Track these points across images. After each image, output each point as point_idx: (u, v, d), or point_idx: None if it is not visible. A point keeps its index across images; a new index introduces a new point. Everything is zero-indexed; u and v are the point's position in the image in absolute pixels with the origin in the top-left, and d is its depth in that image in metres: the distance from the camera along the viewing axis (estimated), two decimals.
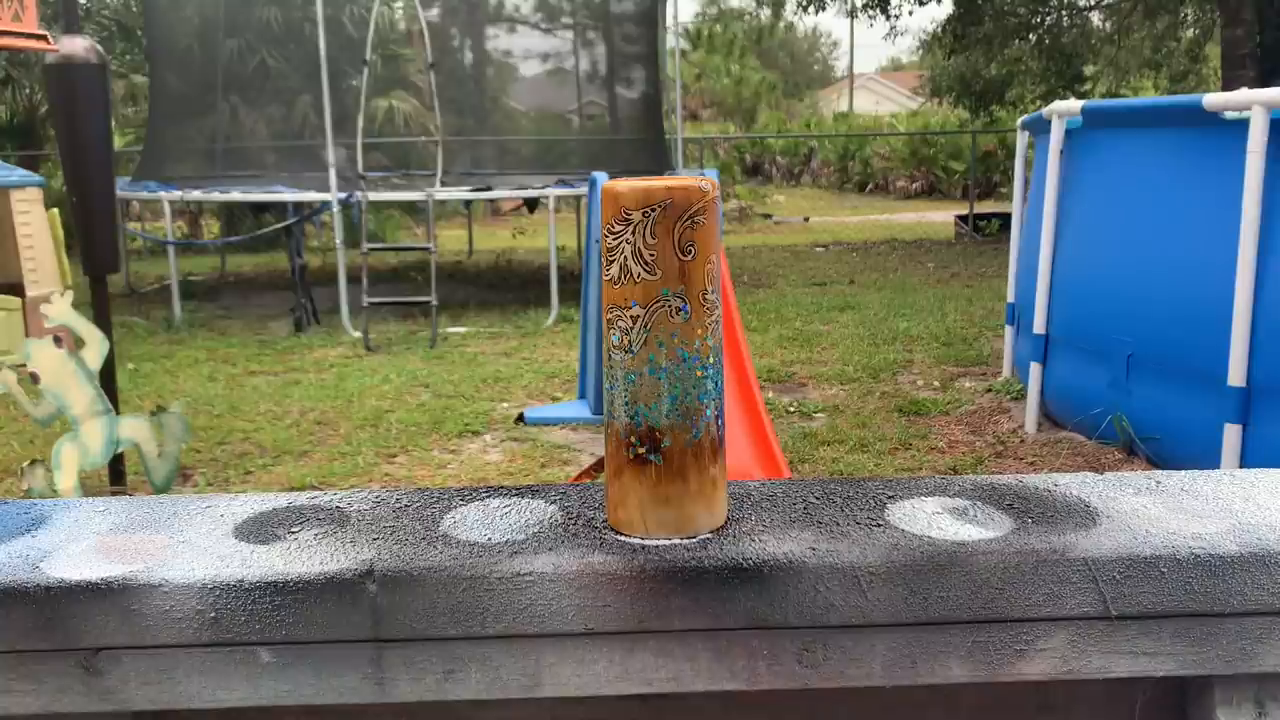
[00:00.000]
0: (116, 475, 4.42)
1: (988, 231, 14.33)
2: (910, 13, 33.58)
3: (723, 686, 0.81)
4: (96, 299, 4.35)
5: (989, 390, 6.09)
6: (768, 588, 0.79)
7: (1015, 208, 6.67)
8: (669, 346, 0.80)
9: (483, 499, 0.92)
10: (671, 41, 12.81)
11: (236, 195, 9.71)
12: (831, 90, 44.14)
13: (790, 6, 17.54)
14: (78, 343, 4.06)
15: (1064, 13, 16.01)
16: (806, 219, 18.53)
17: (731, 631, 0.80)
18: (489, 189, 10.39)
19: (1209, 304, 4.15)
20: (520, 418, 5.62)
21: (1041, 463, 4.67)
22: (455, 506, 0.91)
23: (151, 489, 4.32)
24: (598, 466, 4.42)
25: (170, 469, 4.38)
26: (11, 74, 16.26)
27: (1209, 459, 4.09)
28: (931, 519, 0.86)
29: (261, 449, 5.26)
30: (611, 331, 0.82)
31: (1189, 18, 16.12)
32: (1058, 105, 5.34)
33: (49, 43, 6.26)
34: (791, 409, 5.80)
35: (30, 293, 7.24)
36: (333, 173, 8.82)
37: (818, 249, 13.93)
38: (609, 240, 0.81)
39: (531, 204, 11.42)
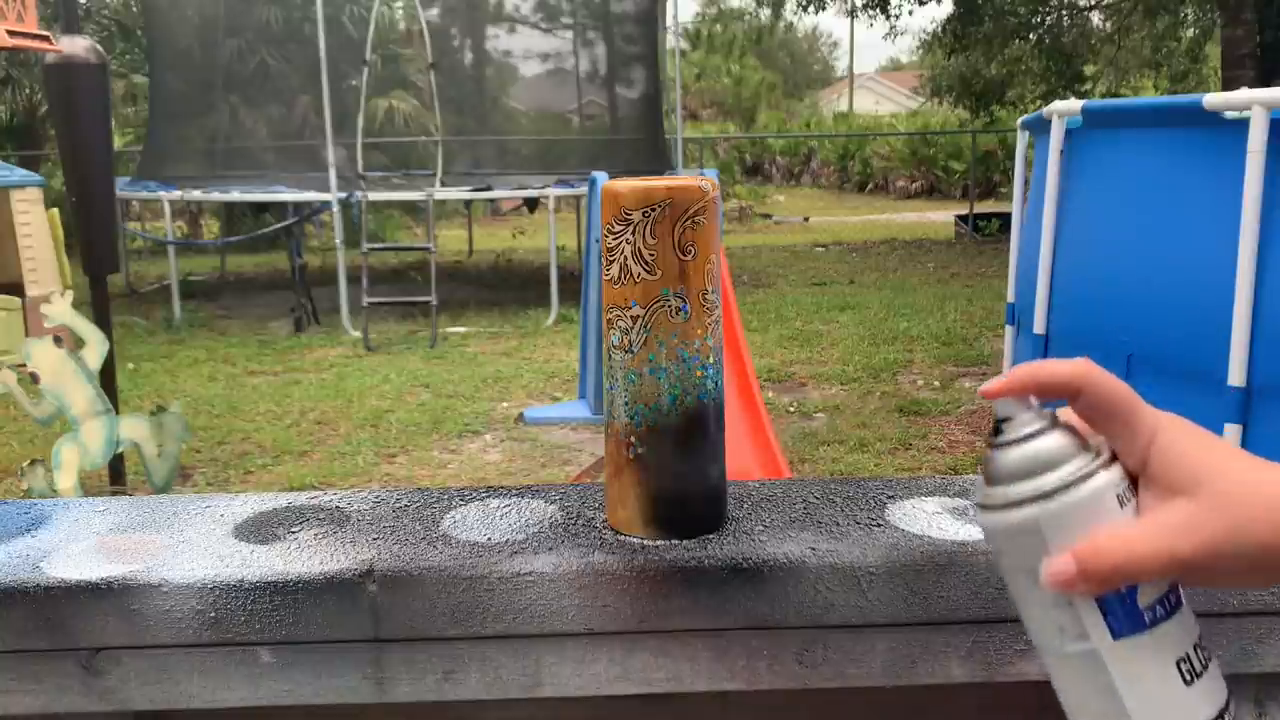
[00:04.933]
0: (116, 475, 4.42)
1: (988, 231, 14.33)
2: (910, 13, 33.60)
3: (723, 686, 0.81)
4: (96, 299, 4.35)
5: None
6: (768, 588, 0.79)
7: (1015, 208, 6.67)
8: (669, 346, 0.80)
9: (483, 499, 0.92)
10: (671, 41, 12.81)
11: (236, 195, 9.71)
12: (831, 90, 44.14)
13: (790, 6, 17.55)
14: (78, 343, 4.06)
15: (1064, 13, 16.01)
16: (806, 219, 18.53)
17: (731, 631, 0.80)
18: (489, 189, 10.39)
19: (1209, 304, 4.15)
20: (520, 418, 5.62)
21: None
22: (455, 506, 0.91)
23: (151, 489, 4.32)
24: (598, 466, 4.42)
25: (170, 469, 4.38)
26: (11, 74, 16.26)
27: None
28: (931, 519, 0.86)
29: (261, 449, 5.27)
30: (611, 331, 0.82)
31: (1189, 18, 16.12)
32: (1058, 105, 5.33)
33: (52, 43, 6.26)
34: (791, 409, 5.80)
35: (30, 293, 7.24)
36: (333, 173, 8.82)
37: (818, 249, 13.93)
38: (609, 240, 0.81)
39: (531, 204, 11.42)
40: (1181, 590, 0.57)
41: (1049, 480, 0.55)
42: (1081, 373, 0.56)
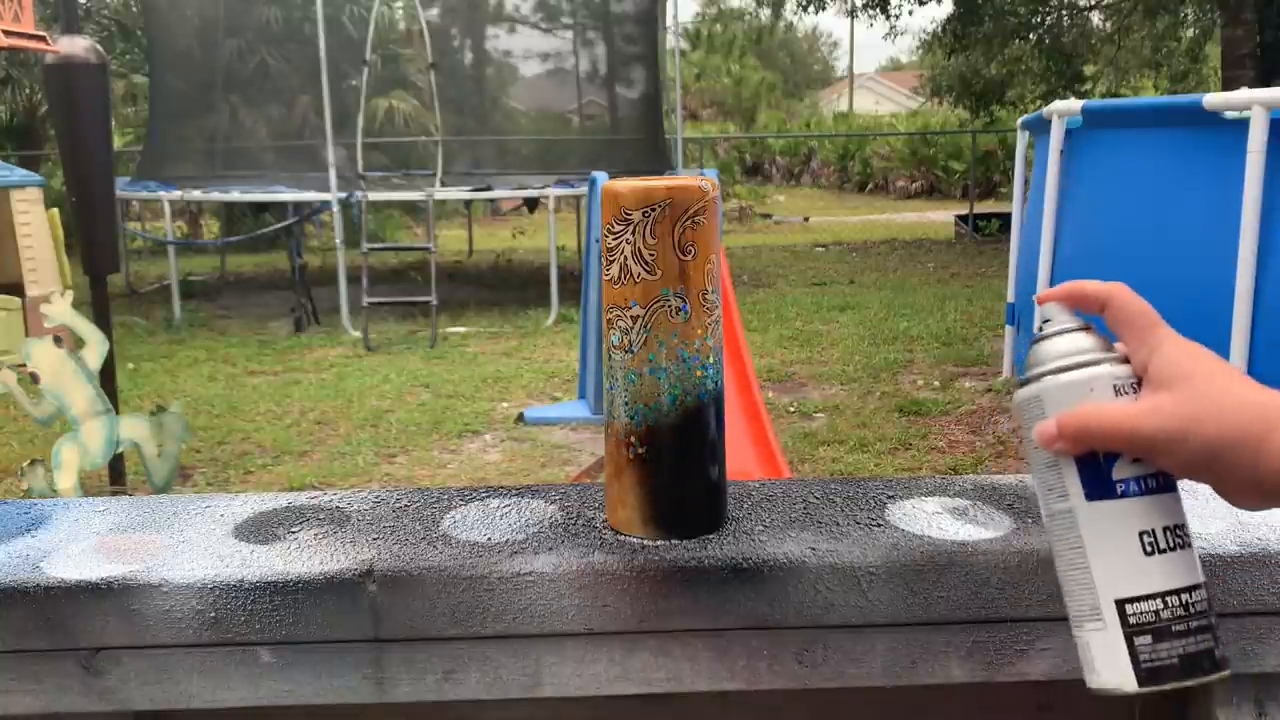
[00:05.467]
0: (116, 475, 4.42)
1: (988, 231, 14.33)
2: (910, 12, 33.60)
3: (723, 686, 0.81)
4: (96, 299, 4.35)
5: (989, 390, 6.10)
6: (768, 588, 0.79)
7: (1015, 208, 6.67)
8: (669, 346, 0.80)
9: (483, 499, 0.92)
10: (671, 41, 12.80)
11: (236, 195, 9.71)
12: (831, 90, 44.13)
13: (790, 6, 17.54)
14: (78, 343, 4.06)
15: (1064, 13, 16.01)
16: (806, 219, 18.53)
17: (731, 631, 0.80)
18: (489, 189, 10.38)
19: (1209, 303, 4.15)
20: (520, 418, 5.62)
21: None
22: (455, 506, 0.91)
23: (151, 489, 4.32)
24: (598, 466, 4.42)
25: (170, 469, 4.38)
26: (11, 74, 16.26)
27: None
28: (931, 519, 0.86)
29: (261, 449, 5.27)
30: (611, 331, 0.82)
31: (1189, 17, 16.11)
32: (1058, 105, 5.34)
33: (48, 43, 6.26)
34: (791, 409, 5.80)
35: (30, 293, 7.24)
36: (333, 173, 8.82)
37: (818, 249, 13.93)
38: (609, 240, 0.81)
39: (531, 204, 11.42)
40: (1176, 483, 0.65)
41: (1060, 362, 0.65)
42: (1113, 289, 0.67)
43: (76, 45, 4.13)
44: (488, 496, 0.93)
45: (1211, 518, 0.85)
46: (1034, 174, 6.06)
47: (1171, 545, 0.63)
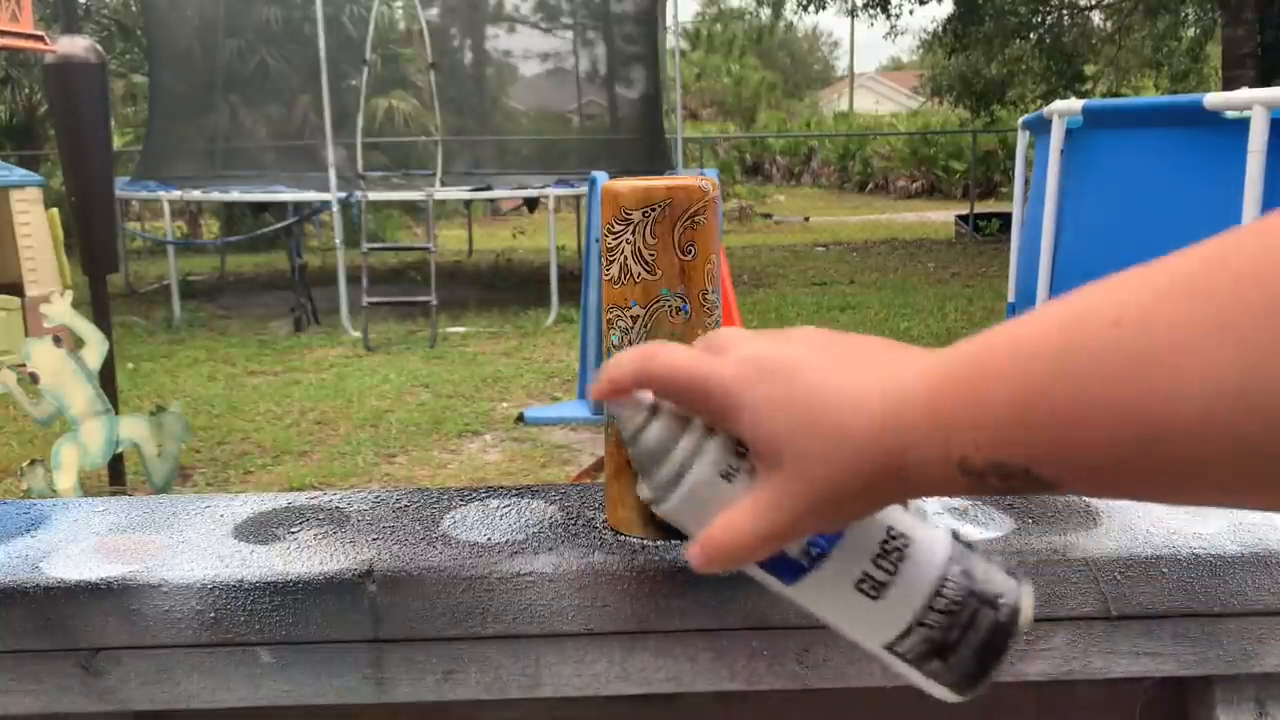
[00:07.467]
0: (116, 475, 4.42)
1: (988, 231, 14.33)
2: (910, 12, 33.60)
3: (723, 687, 0.81)
4: (96, 299, 4.35)
5: None
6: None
7: (1015, 208, 6.67)
8: None
9: (483, 499, 0.92)
10: (671, 41, 12.80)
11: (236, 195, 9.72)
12: (831, 90, 44.15)
13: (790, 6, 17.56)
14: (77, 343, 4.06)
15: (1064, 12, 16.02)
16: (806, 219, 18.53)
17: (731, 631, 0.80)
18: (489, 189, 10.38)
19: None
20: (520, 418, 5.62)
21: None
22: (455, 506, 0.91)
23: (151, 489, 4.32)
24: (598, 466, 4.43)
25: (170, 469, 4.38)
26: (11, 74, 16.26)
27: None
28: (931, 519, 0.86)
29: (261, 449, 5.27)
30: (611, 331, 0.82)
31: (1189, 17, 16.12)
32: (1058, 105, 5.34)
33: (46, 43, 6.26)
34: None
35: (30, 293, 7.24)
36: (333, 173, 8.82)
37: (818, 249, 13.93)
38: (609, 240, 0.81)
39: (531, 204, 11.42)
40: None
41: (661, 477, 0.56)
42: (640, 365, 0.56)
43: (76, 45, 4.13)
44: (488, 496, 0.93)
45: (1212, 517, 0.85)
46: (1034, 174, 6.06)
47: (893, 567, 0.55)
